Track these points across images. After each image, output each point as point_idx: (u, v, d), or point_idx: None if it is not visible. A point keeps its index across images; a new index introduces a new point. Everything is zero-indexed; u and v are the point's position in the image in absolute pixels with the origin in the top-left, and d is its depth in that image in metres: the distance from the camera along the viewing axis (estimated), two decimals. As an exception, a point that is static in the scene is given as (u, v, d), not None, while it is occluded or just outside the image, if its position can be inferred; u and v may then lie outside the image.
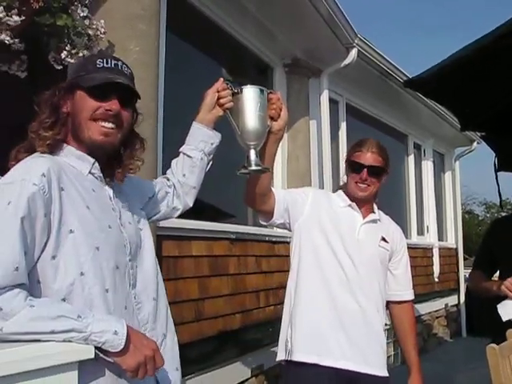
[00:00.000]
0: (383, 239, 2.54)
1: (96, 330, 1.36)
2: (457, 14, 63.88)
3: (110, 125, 1.57)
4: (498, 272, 3.15)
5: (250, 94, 1.90)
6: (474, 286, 3.33)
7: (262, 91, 1.92)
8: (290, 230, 2.52)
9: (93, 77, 1.56)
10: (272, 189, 2.39)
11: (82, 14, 2.54)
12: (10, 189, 1.41)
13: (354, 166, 2.51)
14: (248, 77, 5.42)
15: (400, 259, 2.61)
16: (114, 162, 1.66)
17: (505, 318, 2.71)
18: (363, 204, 2.54)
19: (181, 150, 1.94)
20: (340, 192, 2.61)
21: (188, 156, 1.91)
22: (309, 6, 4.75)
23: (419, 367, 2.59)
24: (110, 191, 1.65)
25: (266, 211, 2.41)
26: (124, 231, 1.62)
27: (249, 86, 1.91)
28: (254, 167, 1.91)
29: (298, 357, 2.37)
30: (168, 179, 1.94)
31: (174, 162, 1.97)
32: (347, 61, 5.76)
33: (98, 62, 1.59)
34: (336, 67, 5.87)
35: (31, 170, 1.44)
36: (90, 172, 1.60)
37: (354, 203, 2.53)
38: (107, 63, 1.60)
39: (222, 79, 1.92)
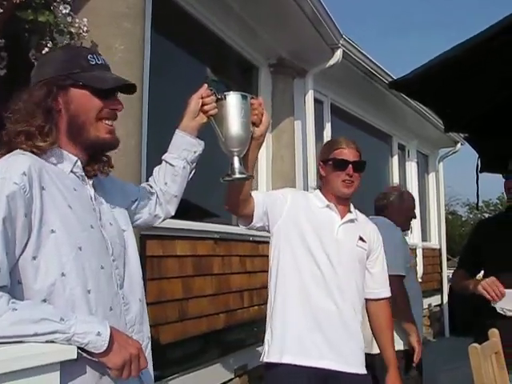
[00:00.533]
0: (361, 239, 2.55)
1: (79, 331, 1.34)
2: (445, 11, 64.26)
3: (112, 122, 1.59)
4: (483, 272, 3.18)
5: (234, 101, 1.88)
6: (456, 285, 3.37)
7: (245, 97, 1.92)
8: (269, 232, 2.51)
9: (93, 75, 1.55)
10: (251, 193, 2.39)
11: (64, 11, 2.50)
12: None
13: (337, 164, 2.51)
14: (233, 76, 5.41)
15: (377, 258, 2.62)
16: (97, 158, 1.64)
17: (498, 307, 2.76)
18: (341, 204, 2.55)
19: (163, 157, 1.91)
20: (317, 192, 2.60)
21: (170, 164, 1.89)
22: (293, 5, 4.76)
23: (396, 363, 2.61)
24: (92, 191, 1.62)
25: (246, 215, 2.40)
26: (104, 232, 1.59)
27: (232, 92, 1.90)
28: (238, 175, 1.92)
29: (274, 358, 2.39)
30: (151, 186, 1.92)
31: (156, 169, 1.94)
32: (332, 61, 5.80)
33: (89, 57, 1.58)
34: (321, 68, 5.90)
35: (12, 168, 1.41)
36: (71, 171, 1.57)
37: (332, 203, 2.53)
38: (98, 60, 1.60)
39: (205, 85, 1.90)
